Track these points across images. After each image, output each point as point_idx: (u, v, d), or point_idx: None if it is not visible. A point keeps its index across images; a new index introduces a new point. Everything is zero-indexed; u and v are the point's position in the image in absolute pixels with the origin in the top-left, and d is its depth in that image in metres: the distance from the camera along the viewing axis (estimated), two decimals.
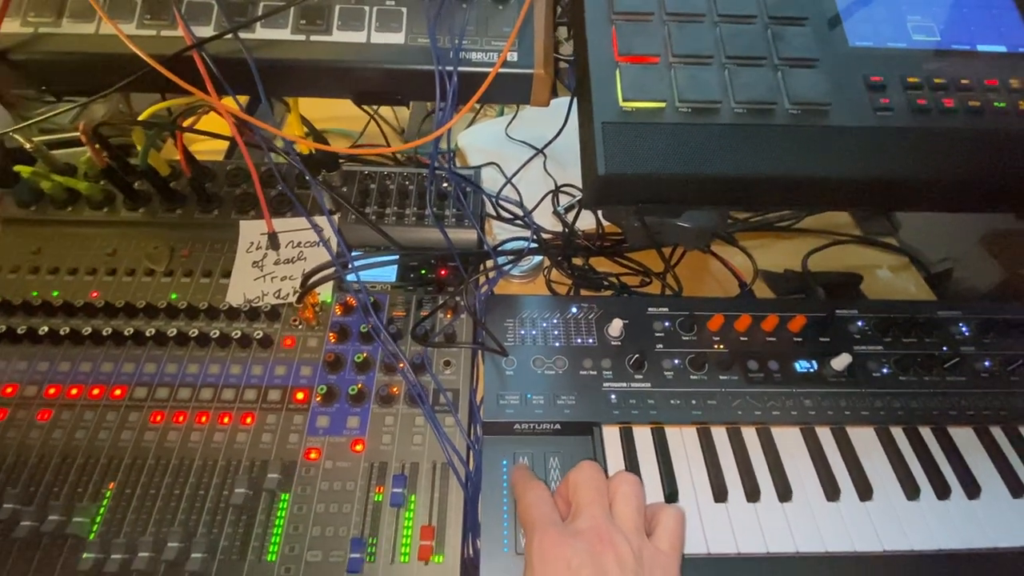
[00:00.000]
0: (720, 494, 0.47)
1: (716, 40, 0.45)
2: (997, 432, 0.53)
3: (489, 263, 0.60)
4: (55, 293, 0.55)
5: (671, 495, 0.47)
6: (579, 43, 0.47)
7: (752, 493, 0.47)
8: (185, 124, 0.56)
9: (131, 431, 0.47)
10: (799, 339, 0.57)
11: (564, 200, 0.73)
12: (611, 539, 0.36)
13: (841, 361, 0.54)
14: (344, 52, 0.45)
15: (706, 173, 0.42)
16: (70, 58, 0.45)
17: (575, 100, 0.49)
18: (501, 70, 0.44)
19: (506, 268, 0.60)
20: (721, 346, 0.56)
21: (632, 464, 0.48)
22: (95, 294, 0.55)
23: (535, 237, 0.62)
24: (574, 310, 0.58)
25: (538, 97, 0.48)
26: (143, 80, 0.44)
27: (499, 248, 0.62)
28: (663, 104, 0.43)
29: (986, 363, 0.56)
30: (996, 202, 0.47)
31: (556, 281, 0.67)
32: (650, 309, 0.58)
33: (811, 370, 0.55)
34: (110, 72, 0.45)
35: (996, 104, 0.44)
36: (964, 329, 0.59)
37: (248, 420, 0.49)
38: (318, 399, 0.50)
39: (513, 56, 0.45)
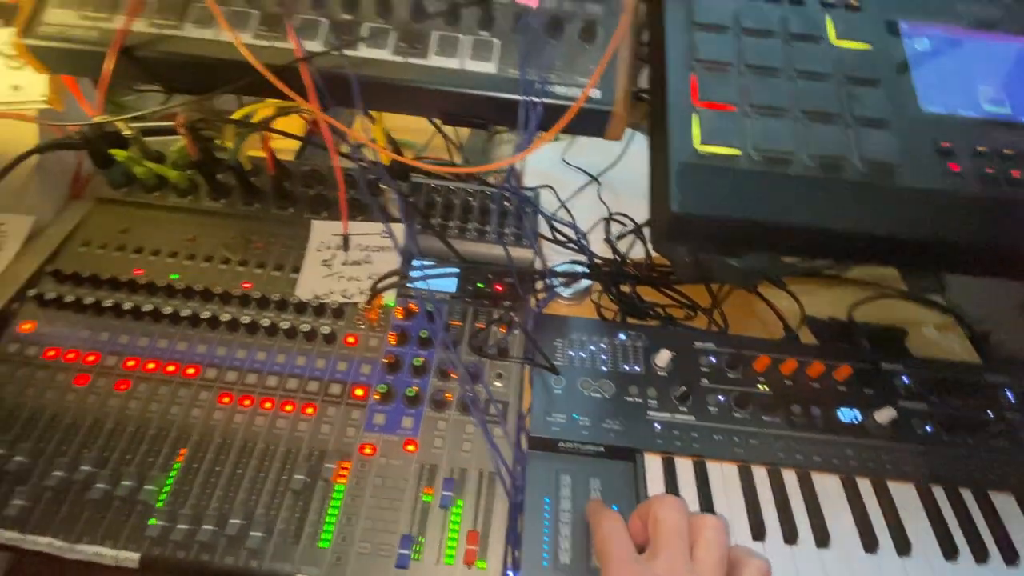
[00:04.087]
0: (758, 532, 0.48)
1: (791, 94, 0.47)
2: None
3: (540, 283, 0.62)
4: (136, 273, 0.59)
5: None
6: (658, 84, 0.49)
7: (790, 535, 0.48)
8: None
9: (200, 409, 0.50)
10: (843, 388, 0.58)
11: (616, 228, 0.75)
12: None
13: (885, 415, 0.55)
14: (439, 76, 0.48)
15: (774, 221, 0.44)
16: (187, 59, 0.49)
17: (648, 136, 0.51)
18: (587, 104, 0.47)
19: (558, 290, 0.62)
20: (765, 387, 0.57)
21: (672, 493, 0.49)
22: (174, 276, 0.58)
23: (589, 262, 0.64)
24: (622, 337, 0.60)
25: (613, 132, 0.50)
26: (251, 85, 0.48)
27: (553, 270, 0.64)
28: (738, 151, 0.45)
29: None
30: None
31: (603, 306, 0.69)
32: (697, 343, 0.60)
33: (855, 421, 0.55)
34: (221, 74, 0.49)
35: None
36: (1010, 395, 0.59)
37: (309, 410, 0.51)
38: (376, 397, 0.52)
39: (596, 93, 0.48)
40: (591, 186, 0.81)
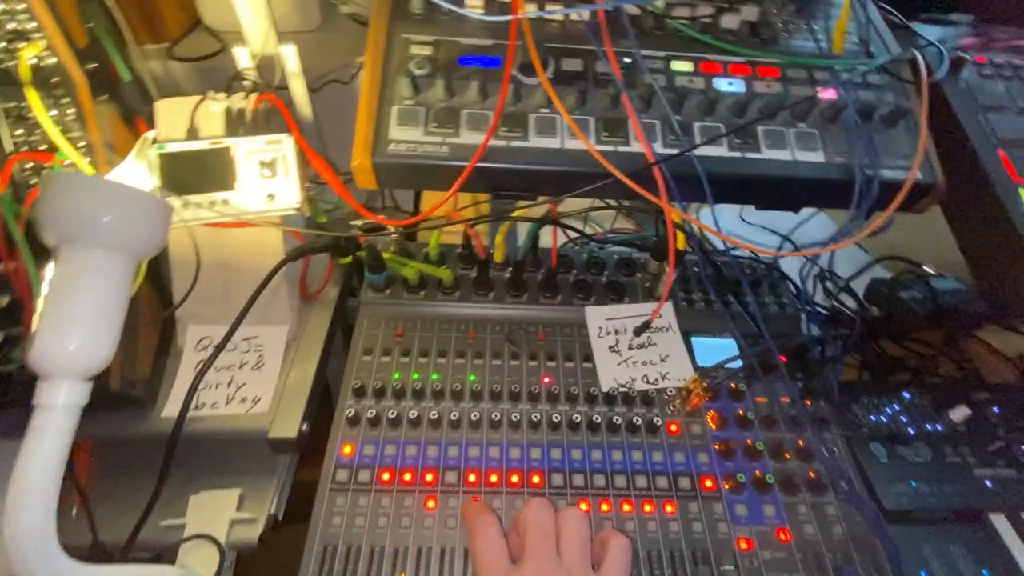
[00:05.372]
0: None
1: None
2: None
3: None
4: (434, 376, 0.57)
5: None
6: (957, 162, 0.53)
7: None
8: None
9: None
10: None
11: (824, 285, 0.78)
12: None
13: None
14: (774, 167, 0.51)
15: None
16: (532, 169, 0.49)
17: (947, 210, 0.55)
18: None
19: (841, 352, 0.64)
20: None
21: None
22: (472, 377, 0.57)
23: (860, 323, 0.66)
24: (908, 395, 0.61)
25: (928, 205, 0.53)
26: (604, 188, 0.49)
27: (821, 336, 0.66)
28: None
29: None
30: None
31: (846, 364, 0.70)
32: (972, 395, 0.62)
33: None
34: (561, 181, 0.50)
35: None
36: None
37: (669, 508, 0.50)
38: (727, 486, 0.51)
39: (919, 174, 0.51)
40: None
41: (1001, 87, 0.56)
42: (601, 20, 0.51)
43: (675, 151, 0.49)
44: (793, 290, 0.72)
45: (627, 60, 0.53)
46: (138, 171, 0.52)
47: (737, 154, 0.51)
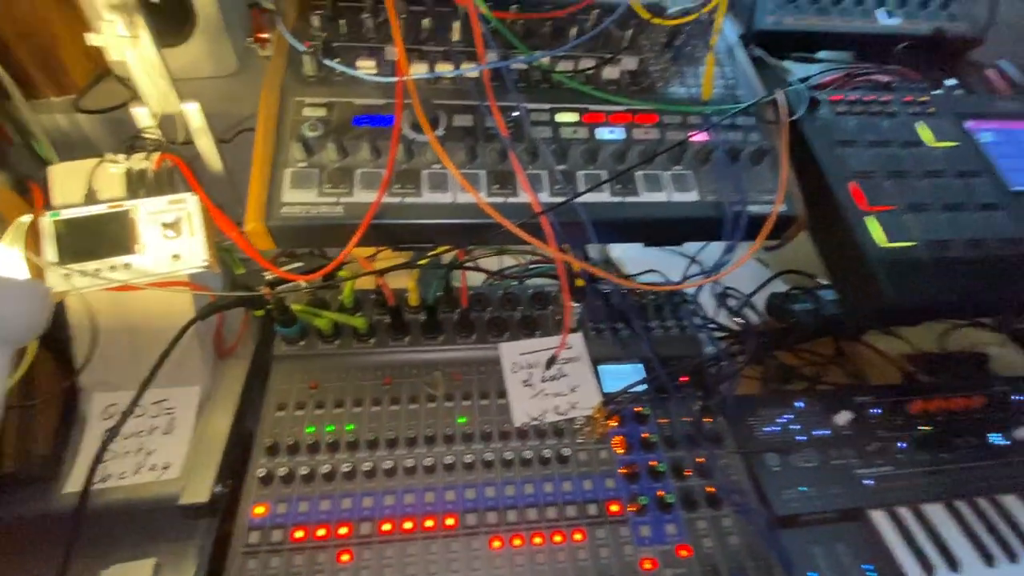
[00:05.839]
0: (988, 559, 0.55)
1: (927, 191, 0.59)
2: None
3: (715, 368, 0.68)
4: (349, 427, 0.58)
5: (953, 565, 0.54)
6: (815, 193, 0.59)
7: (1012, 556, 0.55)
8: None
9: (479, 559, 0.50)
10: (980, 416, 0.68)
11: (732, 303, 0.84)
12: None
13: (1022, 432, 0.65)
14: (653, 209, 0.55)
15: (955, 296, 0.54)
16: (426, 223, 0.52)
17: (813, 236, 0.60)
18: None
19: (737, 368, 0.68)
20: (927, 427, 0.66)
21: (913, 544, 0.55)
22: (388, 425, 0.58)
23: (755, 338, 0.72)
24: (800, 404, 0.67)
25: (792, 235, 0.59)
26: (497, 236, 0.51)
27: (719, 353, 0.70)
28: (913, 243, 0.55)
29: None
30: None
31: (744, 375, 0.76)
32: (857, 399, 0.68)
33: (1005, 443, 0.65)
34: (456, 233, 0.52)
35: None
36: None
37: (578, 536, 0.52)
38: (632, 509, 0.54)
39: (783, 206, 0.57)
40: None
41: (853, 123, 0.63)
42: (485, 80, 0.54)
43: (560, 200, 0.53)
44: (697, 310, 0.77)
45: (515, 114, 0.57)
46: (10, 257, 0.51)
47: (618, 199, 0.55)
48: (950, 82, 0.76)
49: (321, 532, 0.50)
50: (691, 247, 0.91)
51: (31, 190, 0.62)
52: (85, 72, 0.86)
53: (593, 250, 0.95)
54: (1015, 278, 0.56)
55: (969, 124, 0.66)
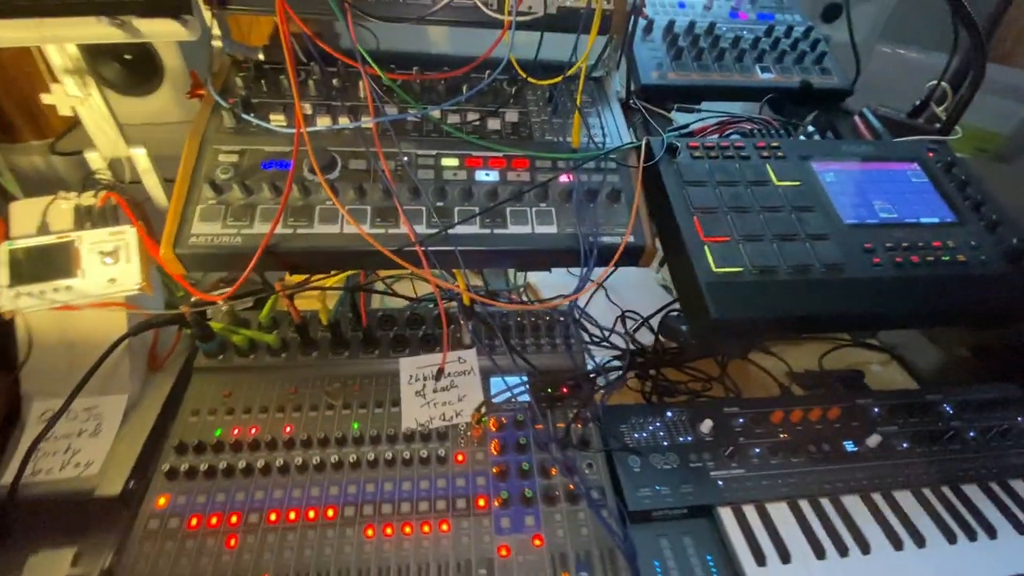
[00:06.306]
0: (819, 553, 0.61)
1: (763, 224, 0.67)
2: (995, 486, 0.71)
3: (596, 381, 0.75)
4: (253, 431, 0.65)
5: (784, 557, 0.60)
6: (665, 224, 0.68)
7: (842, 550, 0.62)
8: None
9: (351, 546, 0.57)
10: (838, 425, 0.75)
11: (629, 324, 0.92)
12: None
13: (873, 440, 0.72)
14: (518, 240, 0.64)
15: (775, 314, 0.62)
16: (318, 250, 0.60)
17: (667, 263, 0.69)
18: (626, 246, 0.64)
19: (615, 381, 0.76)
20: (786, 435, 0.73)
21: (750, 537, 0.62)
22: (289, 429, 0.66)
23: (626, 358, 0.79)
24: (670, 414, 0.74)
25: (646, 262, 0.68)
26: (371, 263, 0.60)
27: (601, 366, 0.78)
28: (741, 269, 0.63)
29: (971, 433, 0.76)
30: (955, 322, 0.69)
31: (632, 388, 0.83)
32: (725, 409, 0.75)
33: (855, 450, 0.72)
34: (343, 259, 0.61)
35: (943, 258, 0.68)
36: (948, 408, 0.79)
37: (444, 527, 0.59)
38: (497, 504, 0.61)
39: (631, 238, 0.65)
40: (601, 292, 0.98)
41: (705, 166, 0.72)
42: (374, 131, 0.64)
43: (434, 231, 0.62)
44: (591, 329, 0.86)
45: (405, 159, 0.67)
46: None
47: (487, 231, 0.64)
48: (810, 129, 0.86)
49: (214, 520, 0.58)
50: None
51: None
52: (64, 120, 0.98)
53: (511, 275, 1.04)
54: (836, 299, 0.64)
55: (815, 165, 0.76)
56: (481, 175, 0.68)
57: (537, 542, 0.59)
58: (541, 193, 0.67)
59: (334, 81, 0.71)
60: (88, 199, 0.73)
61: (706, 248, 0.65)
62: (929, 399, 0.80)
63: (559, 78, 0.71)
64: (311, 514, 0.59)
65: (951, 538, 0.64)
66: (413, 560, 0.56)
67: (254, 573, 0.54)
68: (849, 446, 0.72)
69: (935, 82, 0.85)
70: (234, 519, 0.58)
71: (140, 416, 0.69)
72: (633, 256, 0.66)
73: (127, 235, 0.71)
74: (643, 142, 0.71)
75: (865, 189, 0.75)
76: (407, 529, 0.59)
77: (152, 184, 0.79)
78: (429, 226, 0.63)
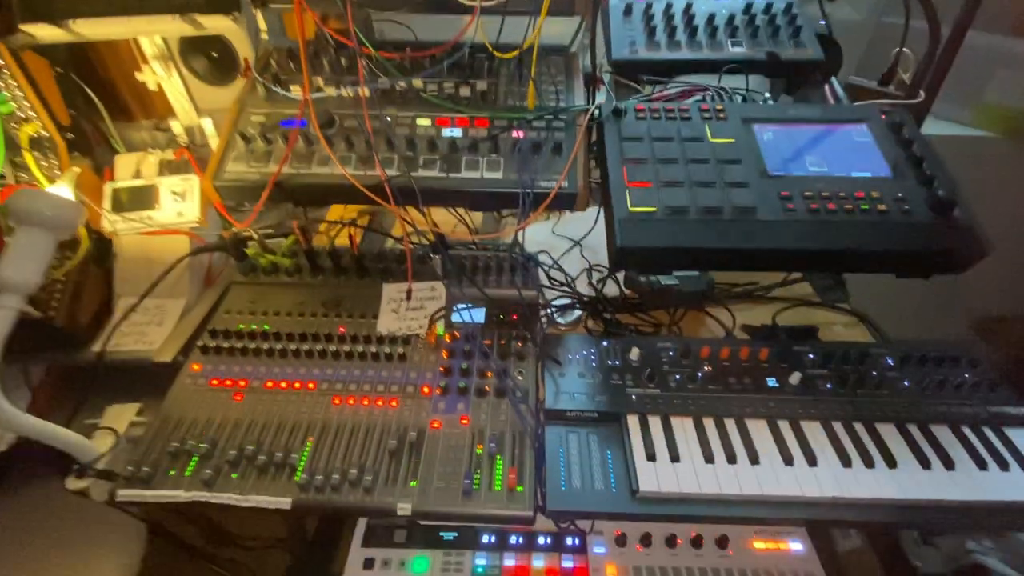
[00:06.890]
0: (708, 458, 0.69)
1: (685, 173, 0.76)
2: (912, 427, 0.74)
3: (544, 314, 0.87)
4: (266, 327, 0.85)
5: (674, 458, 0.69)
6: (604, 174, 0.79)
7: (730, 458, 0.69)
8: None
9: (321, 408, 0.74)
10: (766, 365, 0.81)
11: (595, 275, 1.02)
12: None
13: (795, 377, 0.78)
14: (468, 183, 0.78)
15: (679, 247, 0.71)
16: (314, 186, 0.79)
17: (601, 208, 0.80)
18: (559, 191, 0.76)
19: (557, 318, 0.88)
20: (709, 367, 0.80)
21: (647, 439, 0.71)
22: (291, 327, 0.85)
23: (579, 298, 0.91)
24: (605, 343, 0.84)
25: (579, 206, 0.79)
26: (353, 198, 0.77)
27: (550, 302, 0.90)
28: (655, 208, 0.73)
29: (905, 383, 0.78)
30: (869, 267, 0.74)
31: (592, 330, 0.94)
32: (658, 344, 0.84)
33: (775, 385, 0.78)
34: (334, 193, 0.79)
35: (862, 207, 0.73)
36: (890, 361, 0.82)
37: (394, 403, 0.75)
38: (438, 392, 0.76)
39: (566, 184, 0.77)
40: (576, 248, 1.09)
41: (645, 125, 0.82)
42: (362, 97, 0.82)
43: (398, 173, 0.78)
44: (556, 276, 0.97)
45: (388, 119, 0.84)
46: (64, 190, 0.84)
47: (444, 174, 0.79)
48: (766, 95, 0.92)
49: (228, 382, 0.77)
50: (576, 231, 1.12)
51: (104, 172, 0.99)
52: (167, 105, 1.25)
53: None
54: (740, 236, 0.71)
55: (756, 126, 0.83)
56: (447, 132, 0.83)
57: (464, 421, 0.73)
58: (492, 145, 0.80)
59: (342, 60, 0.90)
60: (168, 155, 0.97)
61: (627, 192, 0.75)
62: (874, 352, 0.83)
63: (515, 52, 0.84)
64: (297, 385, 0.77)
65: (846, 462, 0.69)
66: (365, 422, 0.72)
67: (251, 419, 0.73)
68: (771, 382, 0.79)
69: (898, 49, 0.88)
70: (242, 383, 0.77)
71: (193, 315, 0.92)
72: (567, 201, 0.78)
73: (192, 182, 0.94)
74: (591, 105, 0.83)
75: (802, 147, 0.81)
76: (365, 402, 0.75)
77: (214, 145, 1.03)
78: (398, 170, 0.79)
